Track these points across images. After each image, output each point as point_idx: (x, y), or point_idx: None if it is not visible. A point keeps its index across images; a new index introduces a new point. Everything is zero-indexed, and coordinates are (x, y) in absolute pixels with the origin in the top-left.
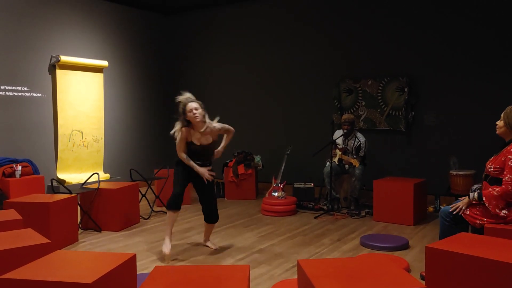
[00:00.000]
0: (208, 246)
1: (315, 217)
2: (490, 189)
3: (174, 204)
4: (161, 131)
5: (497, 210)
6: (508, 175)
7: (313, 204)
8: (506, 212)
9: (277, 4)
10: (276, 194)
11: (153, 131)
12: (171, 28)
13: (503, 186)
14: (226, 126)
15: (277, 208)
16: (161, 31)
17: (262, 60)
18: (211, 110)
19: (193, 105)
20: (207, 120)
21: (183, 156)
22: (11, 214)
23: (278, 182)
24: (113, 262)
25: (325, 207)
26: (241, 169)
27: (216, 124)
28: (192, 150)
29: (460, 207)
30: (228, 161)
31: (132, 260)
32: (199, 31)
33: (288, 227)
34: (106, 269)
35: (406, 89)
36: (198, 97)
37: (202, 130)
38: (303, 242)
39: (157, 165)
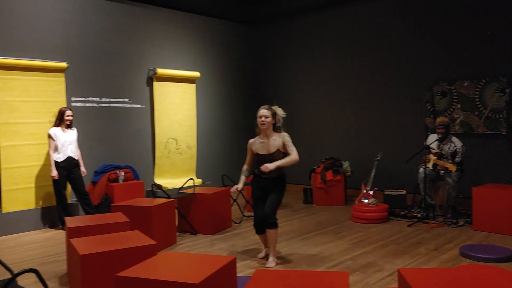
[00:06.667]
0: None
1: (409, 225)
2: None
3: (259, 231)
4: (250, 138)
5: None
6: None
7: (406, 211)
8: None
9: (365, 8)
10: (366, 201)
11: (243, 138)
12: (259, 38)
13: None
14: (291, 147)
15: (368, 215)
16: (249, 41)
17: (349, 65)
18: (298, 117)
19: (263, 112)
20: (279, 131)
21: (243, 168)
22: (120, 217)
23: (368, 188)
24: (216, 264)
25: (419, 215)
26: (329, 175)
27: (285, 137)
28: (259, 160)
29: None
30: (315, 167)
31: (233, 263)
32: (287, 39)
33: (380, 235)
34: (210, 270)
35: (507, 90)
36: (285, 104)
37: (269, 139)
38: (397, 251)
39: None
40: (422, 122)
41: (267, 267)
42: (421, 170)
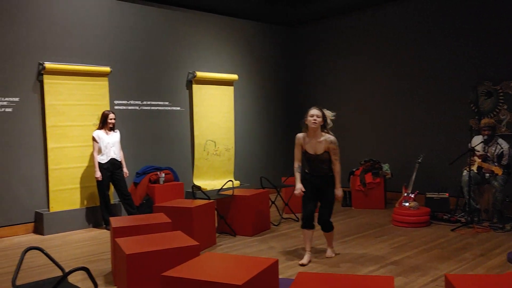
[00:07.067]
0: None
1: (452, 230)
2: None
3: (307, 225)
4: (288, 140)
5: None
6: None
7: (449, 215)
8: None
9: (407, 8)
10: (407, 204)
11: (280, 140)
12: (296, 40)
13: None
14: (336, 156)
15: (409, 219)
16: (287, 43)
17: (390, 65)
18: (337, 119)
19: (314, 111)
20: (327, 132)
21: (295, 165)
22: (162, 217)
23: (409, 191)
24: (258, 266)
25: (463, 219)
26: (368, 177)
27: (332, 143)
28: (307, 158)
29: None
30: (354, 170)
31: (275, 265)
32: (324, 41)
33: (422, 239)
34: (253, 272)
35: None
36: (325, 105)
37: (318, 139)
38: (441, 256)
39: (284, 173)
40: (466, 123)
41: (327, 257)
42: (465, 173)
